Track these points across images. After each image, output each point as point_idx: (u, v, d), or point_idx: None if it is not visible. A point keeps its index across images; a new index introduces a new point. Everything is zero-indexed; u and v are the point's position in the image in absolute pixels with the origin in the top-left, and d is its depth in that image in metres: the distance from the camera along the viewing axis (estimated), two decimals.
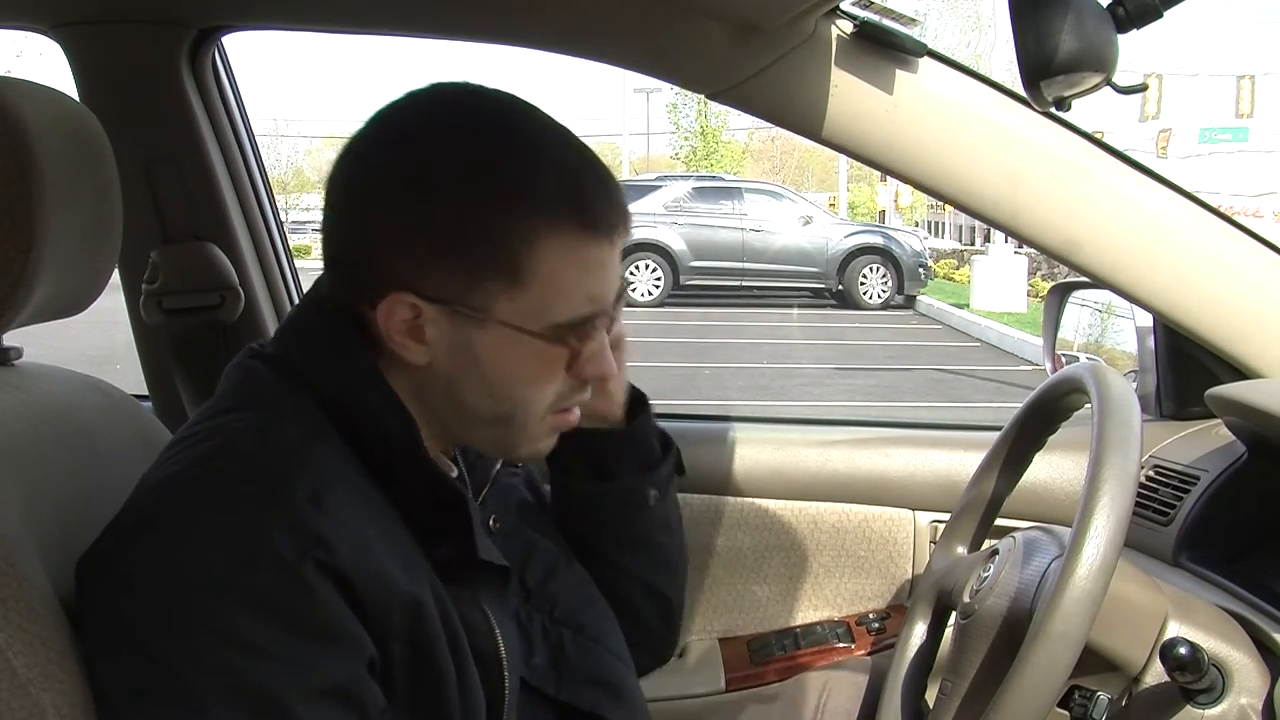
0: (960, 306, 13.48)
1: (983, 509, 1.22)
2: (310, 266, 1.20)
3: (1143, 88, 1.36)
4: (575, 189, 0.82)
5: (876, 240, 14.92)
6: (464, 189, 0.80)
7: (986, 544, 1.19)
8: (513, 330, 0.81)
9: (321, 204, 0.87)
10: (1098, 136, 1.35)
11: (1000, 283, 13.51)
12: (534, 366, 0.84)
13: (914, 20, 1.26)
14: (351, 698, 0.75)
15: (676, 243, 14.46)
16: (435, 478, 0.85)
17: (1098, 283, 1.38)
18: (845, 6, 1.24)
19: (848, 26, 1.27)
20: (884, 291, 14.54)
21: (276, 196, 1.77)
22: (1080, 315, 1.78)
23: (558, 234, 0.81)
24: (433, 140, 0.82)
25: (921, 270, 14.82)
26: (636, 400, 1.06)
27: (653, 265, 14.46)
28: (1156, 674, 1.03)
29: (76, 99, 1.06)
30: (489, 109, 0.85)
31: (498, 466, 0.98)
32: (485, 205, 0.80)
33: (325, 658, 0.74)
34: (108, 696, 0.74)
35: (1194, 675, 1.00)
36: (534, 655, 0.94)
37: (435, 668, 0.81)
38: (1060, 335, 1.76)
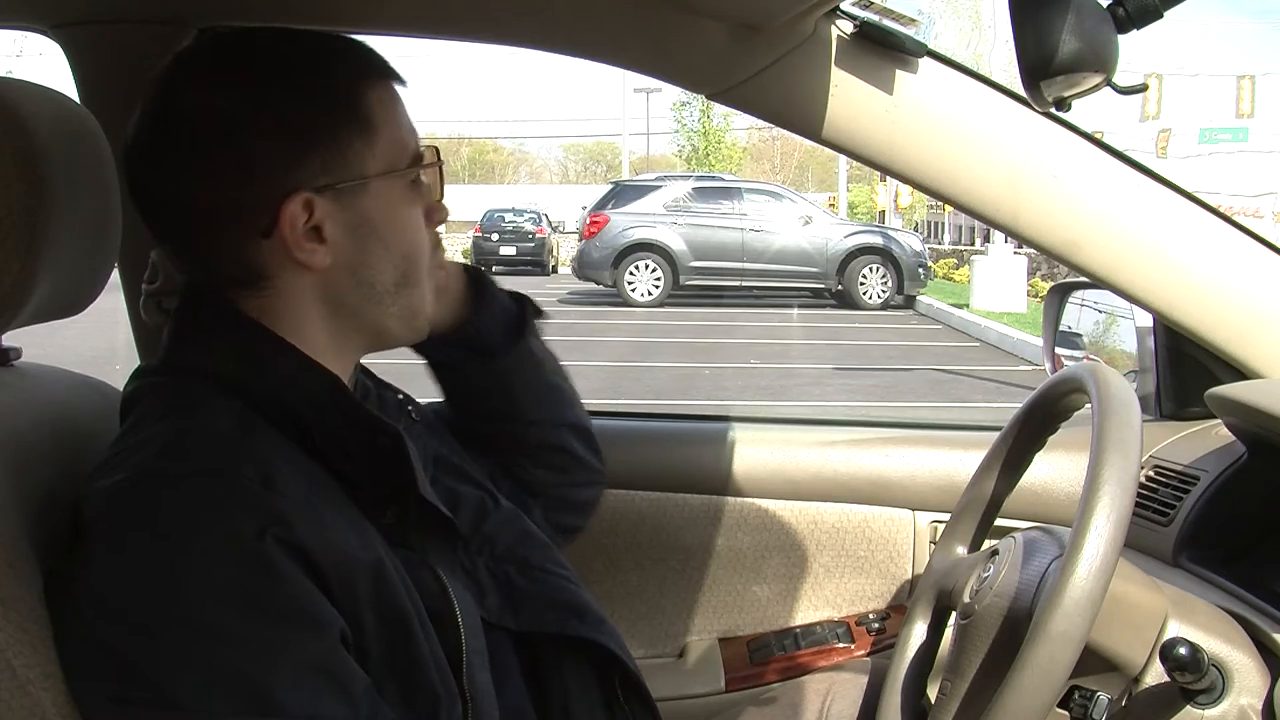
0: (960, 306, 13.48)
1: (983, 509, 1.22)
2: None
3: (1143, 88, 1.36)
4: (364, 48, 0.93)
5: (876, 240, 14.92)
6: (298, 73, 0.88)
7: (986, 544, 1.19)
8: (386, 179, 0.89)
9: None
10: (1098, 136, 1.35)
11: (1000, 283, 13.51)
12: (410, 210, 0.92)
13: (914, 20, 1.26)
14: (331, 674, 0.75)
15: (676, 243, 14.47)
16: (370, 420, 0.88)
17: (1098, 283, 1.38)
18: (845, 6, 1.24)
19: (848, 27, 1.27)
20: (884, 292, 14.54)
21: None
22: (1080, 315, 1.78)
23: (374, 81, 0.90)
24: (249, 55, 0.89)
25: (921, 270, 14.83)
26: (478, 281, 1.12)
27: (652, 265, 14.47)
28: (1156, 674, 1.03)
29: (76, 99, 1.06)
30: (251, 30, 0.94)
31: (402, 425, 1.00)
32: (321, 77, 0.88)
33: (299, 636, 0.74)
34: (90, 711, 0.74)
35: (1194, 675, 1.00)
36: (486, 596, 0.95)
37: (406, 628, 0.82)
38: (1060, 335, 1.76)
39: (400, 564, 0.85)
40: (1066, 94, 1.07)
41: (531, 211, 22.50)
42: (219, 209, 0.86)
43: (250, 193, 0.85)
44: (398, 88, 0.93)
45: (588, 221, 14.91)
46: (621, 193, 15.34)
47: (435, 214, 0.95)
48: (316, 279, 0.88)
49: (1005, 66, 13.19)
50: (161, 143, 0.87)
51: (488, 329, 1.10)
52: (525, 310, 1.14)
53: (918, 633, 1.20)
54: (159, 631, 0.72)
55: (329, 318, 0.90)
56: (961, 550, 1.22)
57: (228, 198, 0.85)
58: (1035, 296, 12.92)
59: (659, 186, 15.32)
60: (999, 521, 1.24)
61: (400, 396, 1.06)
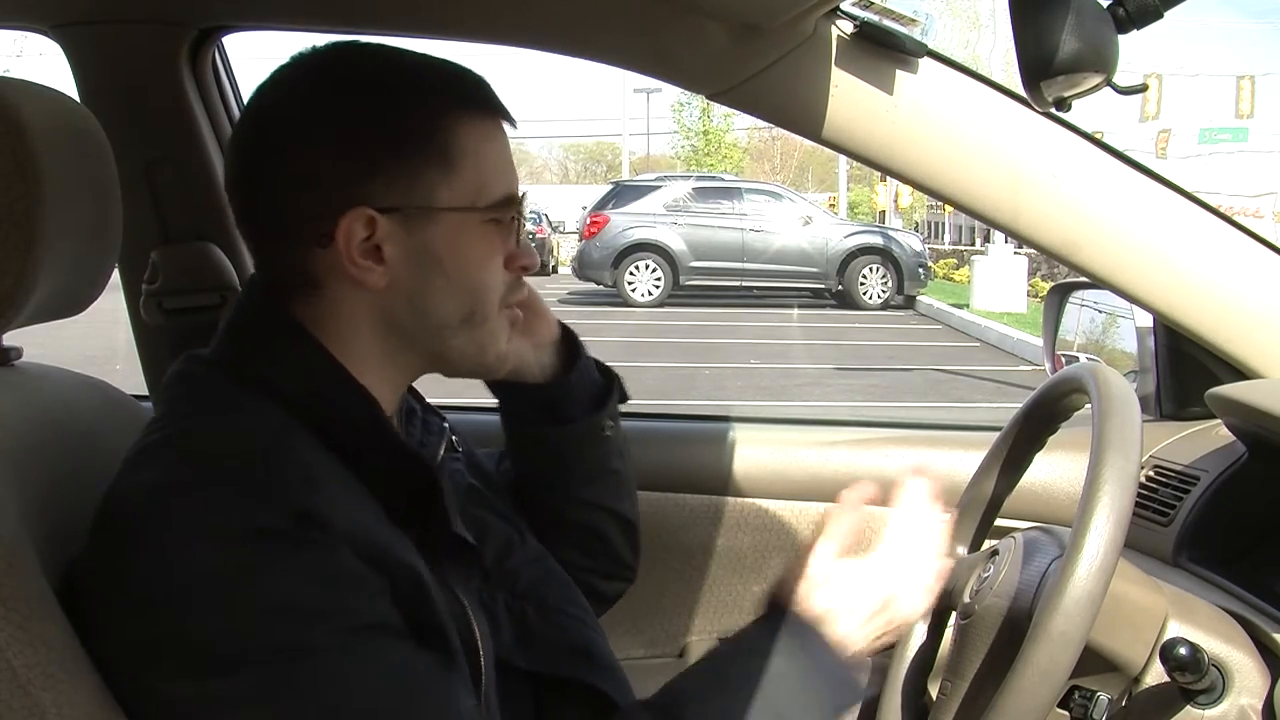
0: (960, 306, 13.48)
1: (983, 509, 1.22)
2: None
3: (1143, 88, 1.36)
4: (468, 83, 0.91)
5: (876, 240, 14.93)
6: (381, 93, 0.87)
7: (986, 544, 1.19)
8: (459, 213, 0.88)
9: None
10: (1098, 136, 1.35)
11: (1000, 283, 13.51)
12: (484, 250, 0.90)
13: (914, 20, 1.26)
14: (391, 629, 0.77)
15: (676, 243, 14.47)
16: (406, 454, 0.88)
17: (1098, 283, 1.38)
18: (845, 6, 1.24)
19: (848, 27, 1.27)
20: (884, 292, 14.55)
21: None
22: (1080, 315, 1.78)
23: (467, 117, 0.89)
24: (339, 68, 0.90)
25: (921, 270, 14.83)
26: (571, 339, 1.11)
27: (653, 265, 14.47)
28: (1156, 674, 1.03)
29: (76, 99, 1.06)
30: (366, 45, 0.93)
31: (442, 451, 1.01)
32: (405, 100, 0.87)
33: (354, 600, 0.76)
34: (172, 705, 0.75)
35: (1194, 675, 1.00)
36: (500, 631, 0.95)
37: (443, 634, 0.82)
38: (1060, 335, 1.76)
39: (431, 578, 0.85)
40: (1066, 94, 1.07)
41: (532, 211, 22.43)
42: (281, 210, 0.87)
43: (311, 199, 0.85)
44: (506, 127, 0.92)
45: (588, 221, 14.91)
46: (621, 193, 15.34)
47: (516, 260, 0.93)
48: (372, 297, 0.87)
49: (1005, 66, 13.19)
50: (241, 137, 0.90)
51: (569, 394, 1.08)
52: (611, 387, 1.12)
53: (918, 633, 1.20)
54: (224, 616, 0.73)
55: (383, 337, 0.89)
56: (961, 550, 1.22)
57: (290, 200, 0.86)
58: (1035, 296, 12.92)
59: (659, 186, 15.32)
60: (999, 521, 1.24)
61: (445, 424, 1.05)
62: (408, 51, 0.92)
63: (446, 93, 0.89)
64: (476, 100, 0.90)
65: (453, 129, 0.87)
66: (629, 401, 1.15)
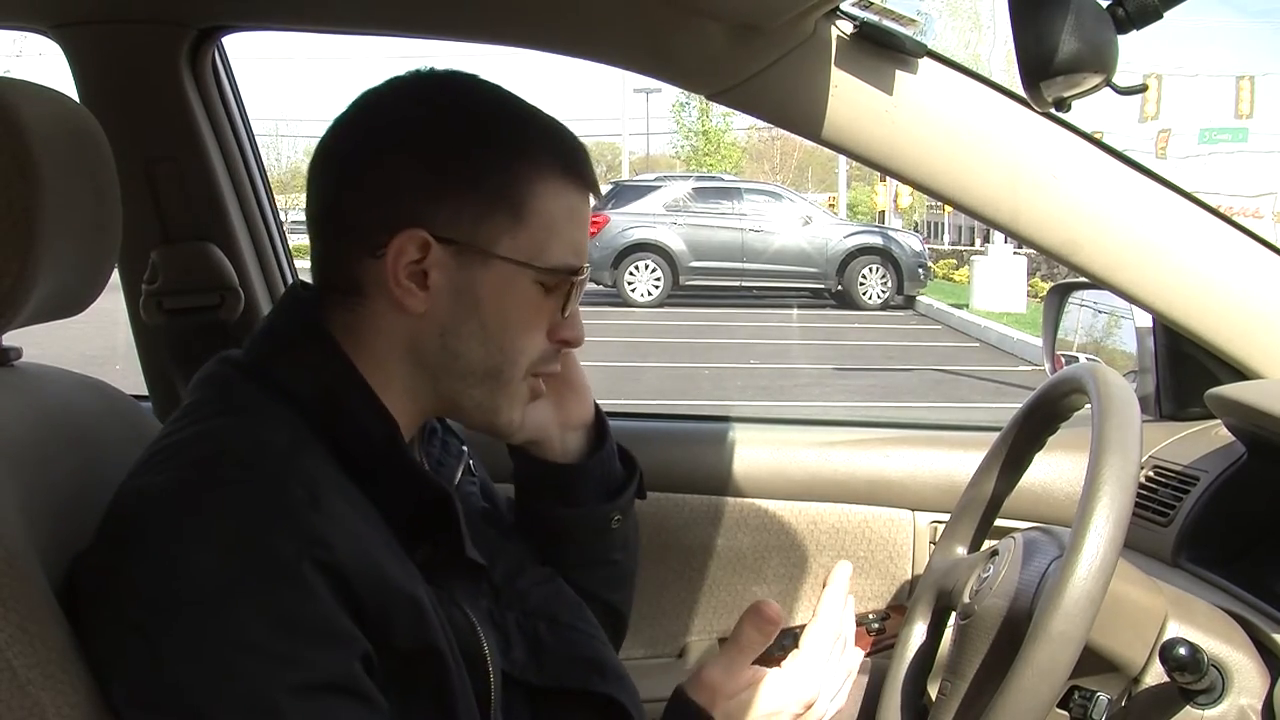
0: (960, 307, 13.48)
1: (983, 509, 1.22)
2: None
3: (1143, 88, 1.36)
4: (564, 144, 0.91)
5: (876, 240, 14.93)
6: (475, 129, 0.88)
7: (986, 544, 1.19)
8: (515, 267, 0.87)
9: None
10: (1098, 136, 1.35)
11: (1000, 283, 13.52)
12: (528, 311, 0.89)
13: (914, 20, 1.26)
14: (350, 691, 0.75)
15: (676, 243, 14.48)
16: (419, 476, 0.88)
17: (1097, 283, 1.38)
18: (845, 7, 1.24)
19: (848, 27, 1.27)
20: (883, 292, 14.55)
21: (276, 196, 1.76)
22: (1080, 315, 1.79)
23: (552, 178, 0.89)
24: (443, 93, 0.90)
25: (921, 270, 14.83)
26: (601, 425, 1.08)
27: (652, 265, 14.48)
28: (1156, 674, 1.03)
29: (76, 99, 1.06)
30: (484, 82, 0.93)
31: (459, 474, 1.01)
32: (494, 144, 0.88)
33: (318, 654, 0.74)
34: (115, 706, 0.75)
35: (1194, 676, 1.00)
36: (512, 649, 0.95)
37: (441, 662, 0.82)
38: (1060, 335, 1.76)
39: (434, 599, 0.85)
40: (1066, 94, 1.07)
41: None
42: (346, 211, 0.88)
43: (375, 208, 0.86)
44: (588, 201, 0.92)
45: None
46: (621, 193, 15.34)
47: (558, 331, 0.92)
48: (408, 323, 0.87)
49: (1005, 66, 13.20)
50: (333, 133, 0.90)
51: (583, 479, 1.06)
52: (630, 482, 1.09)
53: (918, 633, 1.20)
54: (196, 639, 0.73)
55: (410, 365, 0.89)
56: (961, 550, 1.22)
57: (357, 203, 0.87)
58: (1035, 297, 12.92)
59: (659, 186, 15.33)
60: (999, 521, 1.24)
61: (464, 447, 1.05)
62: (520, 100, 0.92)
63: (539, 148, 0.89)
64: (566, 164, 0.90)
65: (532, 183, 0.87)
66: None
